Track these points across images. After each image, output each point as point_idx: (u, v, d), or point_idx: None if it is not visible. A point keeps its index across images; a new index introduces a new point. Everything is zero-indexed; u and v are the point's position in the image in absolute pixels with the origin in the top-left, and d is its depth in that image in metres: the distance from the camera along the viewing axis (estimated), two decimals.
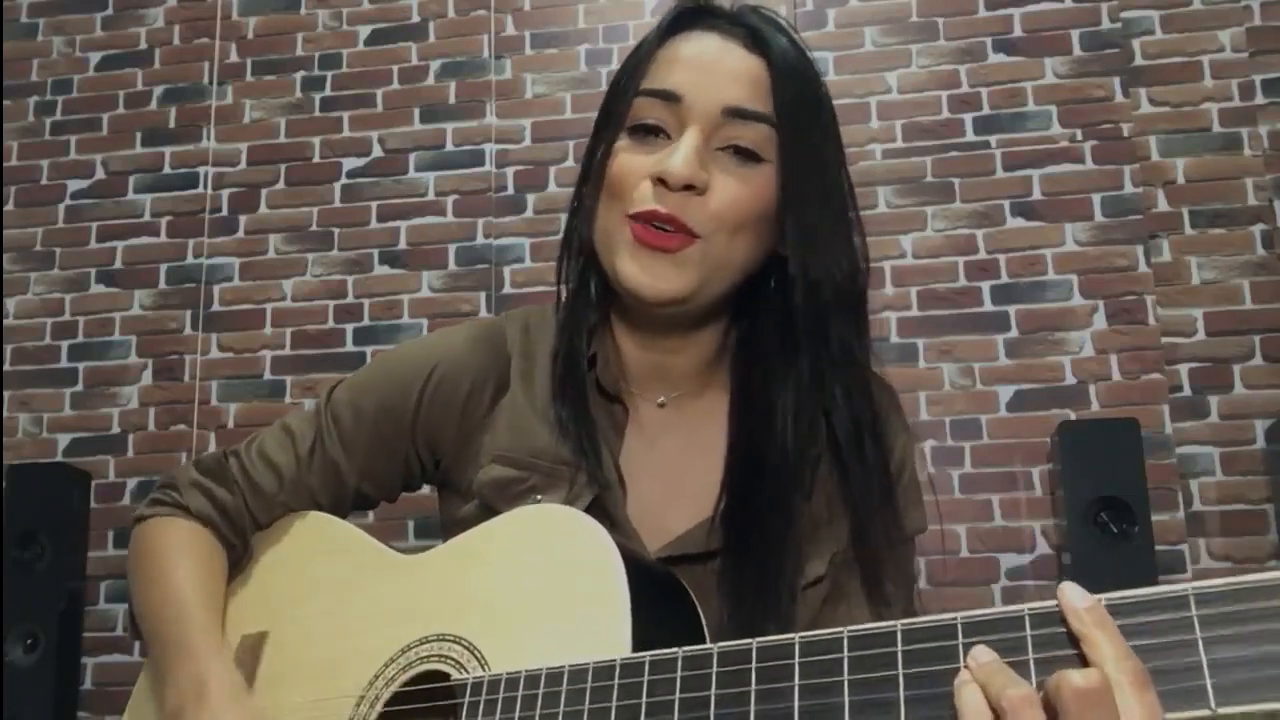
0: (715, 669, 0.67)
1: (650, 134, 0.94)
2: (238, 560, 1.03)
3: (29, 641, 2.59)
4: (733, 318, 1.02)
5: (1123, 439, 2.43)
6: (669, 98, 0.92)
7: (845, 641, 0.64)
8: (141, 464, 2.92)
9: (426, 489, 1.08)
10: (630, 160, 0.93)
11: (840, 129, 0.99)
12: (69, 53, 3.20)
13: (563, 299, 1.03)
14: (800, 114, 0.93)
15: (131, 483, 2.91)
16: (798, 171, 0.93)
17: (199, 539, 0.99)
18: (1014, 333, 2.69)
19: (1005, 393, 2.66)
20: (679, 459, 0.98)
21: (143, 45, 3.18)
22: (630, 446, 0.98)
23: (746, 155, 0.92)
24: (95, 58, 3.18)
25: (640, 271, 0.91)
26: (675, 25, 0.97)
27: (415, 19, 3.08)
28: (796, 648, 0.65)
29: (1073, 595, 0.60)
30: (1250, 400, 2.63)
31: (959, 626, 0.62)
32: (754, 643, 0.67)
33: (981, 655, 0.60)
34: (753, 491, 0.93)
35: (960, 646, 0.61)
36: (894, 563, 0.96)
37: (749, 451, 0.95)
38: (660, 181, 0.90)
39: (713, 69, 0.92)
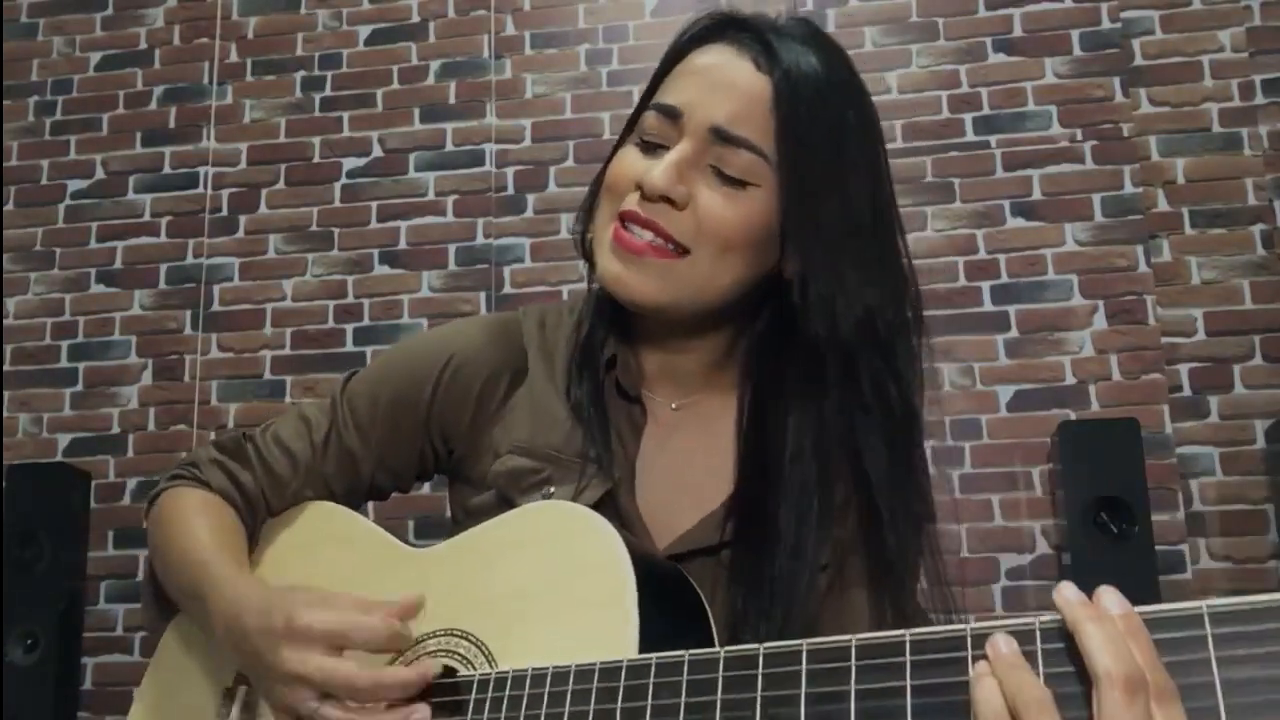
0: (721, 674, 0.67)
1: (656, 147, 0.94)
2: (248, 541, 1.02)
3: (29, 641, 2.58)
4: (743, 322, 1.01)
5: (1122, 439, 2.43)
6: (670, 114, 0.93)
7: (853, 650, 0.63)
8: (141, 464, 2.92)
9: (427, 487, 1.08)
10: (629, 164, 0.95)
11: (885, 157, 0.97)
12: (69, 53, 3.20)
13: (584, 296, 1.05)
14: (807, 137, 0.91)
15: (131, 483, 2.91)
16: (801, 198, 0.91)
17: (218, 506, 0.99)
18: (1014, 333, 2.69)
19: (1005, 393, 2.66)
20: (689, 458, 0.99)
21: (143, 45, 3.18)
22: (646, 448, 0.99)
23: (731, 180, 0.91)
24: (95, 58, 3.18)
25: (621, 272, 0.93)
26: (700, 36, 0.97)
27: (415, 19, 3.08)
28: (804, 654, 0.64)
29: (1066, 590, 0.58)
30: (1250, 400, 2.63)
31: (969, 638, 0.60)
32: (760, 648, 0.67)
33: (1002, 646, 0.59)
34: (762, 490, 0.93)
35: (969, 658, 0.60)
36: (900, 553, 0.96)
37: (759, 453, 0.95)
38: (640, 189, 0.92)
39: (715, 85, 0.92)
